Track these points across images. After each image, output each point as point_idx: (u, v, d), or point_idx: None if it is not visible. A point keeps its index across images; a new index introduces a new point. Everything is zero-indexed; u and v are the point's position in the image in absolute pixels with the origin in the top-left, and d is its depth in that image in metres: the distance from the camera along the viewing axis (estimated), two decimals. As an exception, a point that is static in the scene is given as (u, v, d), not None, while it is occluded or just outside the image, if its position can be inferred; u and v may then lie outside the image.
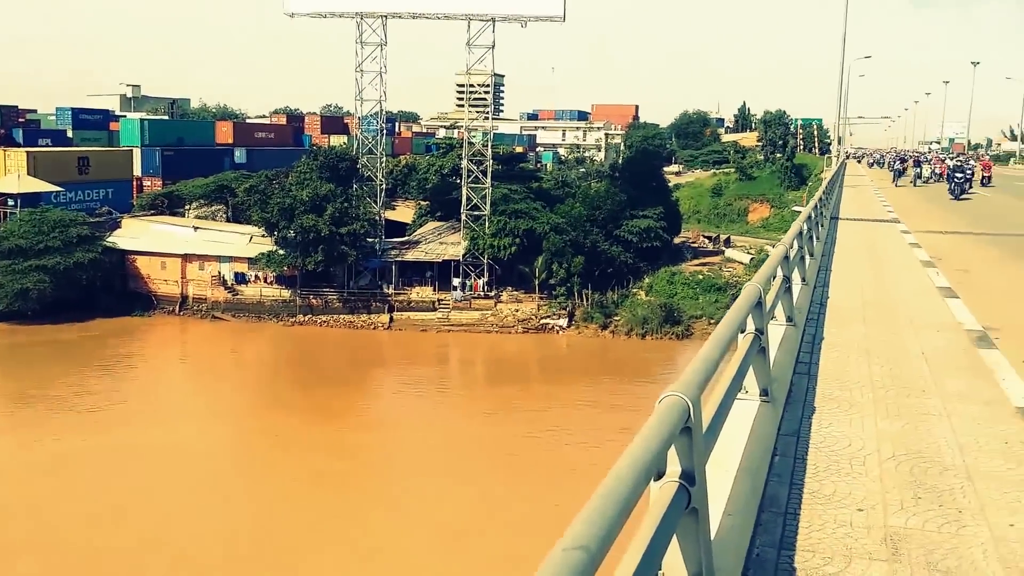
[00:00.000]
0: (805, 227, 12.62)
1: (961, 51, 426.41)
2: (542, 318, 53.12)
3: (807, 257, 11.73)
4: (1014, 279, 14.55)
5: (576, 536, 2.01)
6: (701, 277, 57.23)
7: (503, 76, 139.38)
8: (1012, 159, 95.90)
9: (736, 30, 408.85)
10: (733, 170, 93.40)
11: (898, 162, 52.14)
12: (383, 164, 56.63)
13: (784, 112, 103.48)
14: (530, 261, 53.95)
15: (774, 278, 7.56)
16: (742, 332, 5.32)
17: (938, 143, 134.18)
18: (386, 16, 53.33)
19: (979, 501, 4.64)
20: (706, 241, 70.87)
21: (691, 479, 3.00)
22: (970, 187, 35.64)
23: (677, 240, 65.06)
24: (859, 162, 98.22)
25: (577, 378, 44.00)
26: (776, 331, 7.39)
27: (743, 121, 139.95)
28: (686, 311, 52.09)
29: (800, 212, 14.95)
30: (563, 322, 52.79)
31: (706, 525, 3.10)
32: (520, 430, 35.46)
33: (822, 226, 17.18)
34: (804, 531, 4.27)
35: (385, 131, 58.61)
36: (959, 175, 33.97)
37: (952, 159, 62.87)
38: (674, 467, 3.02)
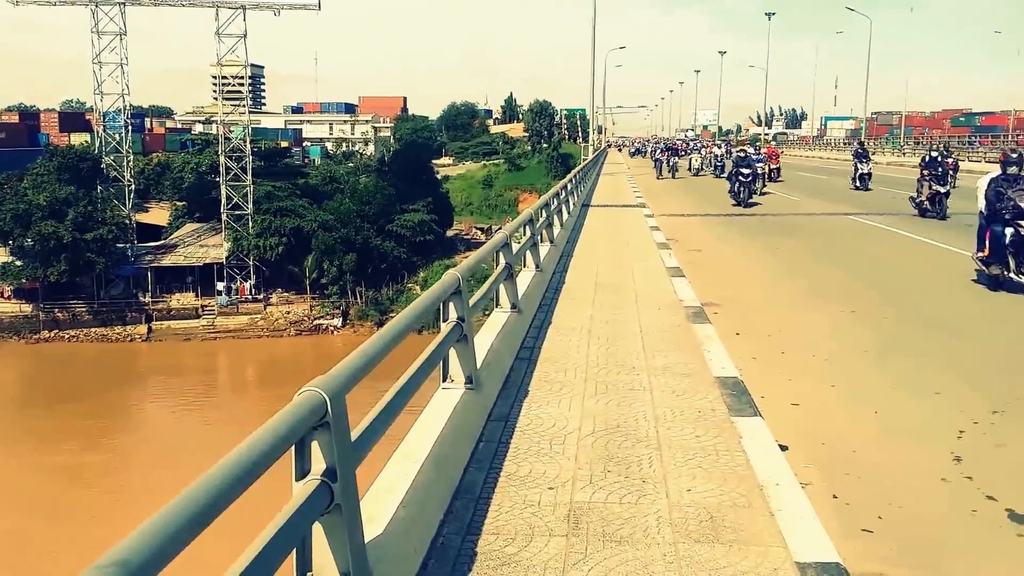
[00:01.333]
0: (544, 213, 13.00)
1: (711, 41, 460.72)
2: (316, 319, 51.97)
3: (542, 244, 12.05)
4: (743, 257, 15.74)
5: (117, 551, 1.77)
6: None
7: (262, 67, 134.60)
8: (756, 142, 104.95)
9: (501, 21, 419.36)
10: (502, 161, 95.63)
11: (659, 152, 46.72)
12: (131, 163, 52.96)
13: (549, 103, 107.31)
14: (299, 261, 52.56)
15: (494, 264, 7.65)
16: (445, 321, 5.30)
17: (692, 130, 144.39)
18: (123, 3, 49.80)
19: (663, 470, 4.87)
20: (479, 233, 72.04)
21: (333, 475, 2.85)
22: (760, 186, 28.51)
23: (450, 233, 65.67)
24: (620, 151, 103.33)
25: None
26: (499, 318, 7.47)
27: (510, 112, 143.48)
28: (462, 303, 52.60)
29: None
30: (337, 322, 51.90)
31: (355, 522, 2.97)
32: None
33: (568, 213, 17.81)
34: (493, 514, 4.28)
35: (132, 127, 54.84)
36: (744, 171, 24.81)
37: (732, 147, 56.48)
38: (319, 464, 2.87)
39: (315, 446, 2.88)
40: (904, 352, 8.34)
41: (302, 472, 2.86)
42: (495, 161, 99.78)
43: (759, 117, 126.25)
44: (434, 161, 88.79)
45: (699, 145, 61.60)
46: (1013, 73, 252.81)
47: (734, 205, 24.52)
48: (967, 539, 4.49)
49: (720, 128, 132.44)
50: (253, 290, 51.94)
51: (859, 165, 30.46)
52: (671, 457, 5.06)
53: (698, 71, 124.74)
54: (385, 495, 3.77)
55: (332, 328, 51.52)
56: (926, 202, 20.41)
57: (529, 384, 6.52)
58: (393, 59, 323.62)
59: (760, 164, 29.12)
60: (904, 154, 64.29)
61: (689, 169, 45.13)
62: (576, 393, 6.33)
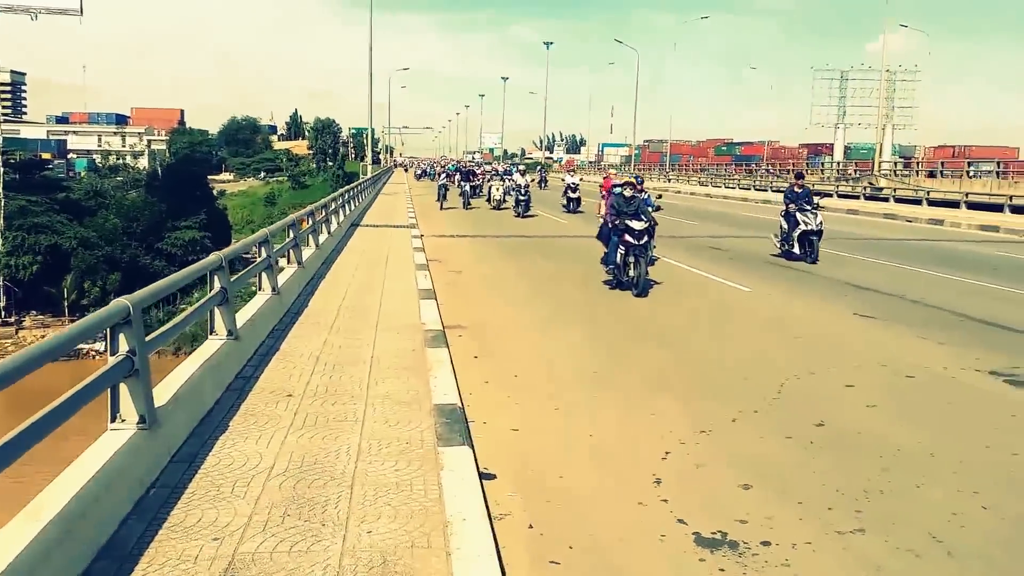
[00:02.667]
0: (291, 233, 12.44)
1: (494, 67, 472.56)
2: (73, 343, 47.82)
3: (288, 265, 11.51)
4: (502, 278, 15.83)
5: None
6: (254, 289, 55.84)
7: (23, 74, 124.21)
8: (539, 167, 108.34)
9: (287, 38, 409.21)
10: (286, 178, 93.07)
11: (444, 176, 37.95)
12: None
13: (333, 120, 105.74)
14: (58, 281, 48.23)
15: (208, 287, 7.10)
16: (114, 354, 4.75)
17: (479, 152, 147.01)
18: None
19: (348, 510, 4.55)
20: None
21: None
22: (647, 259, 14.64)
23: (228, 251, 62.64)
24: (406, 171, 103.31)
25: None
26: (211, 347, 6.91)
27: (296, 129, 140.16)
28: (236, 324, 50.36)
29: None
30: (100, 346, 47.92)
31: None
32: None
33: (329, 233, 17.28)
34: (138, 574, 3.79)
35: None
36: (634, 227, 13.15)
37: (544, 172, 59.00)
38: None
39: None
40: (632, 373, 8.53)
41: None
42: (279, 178, 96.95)
43: (541, 142, 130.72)
44: (213, 177, 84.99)
45: (504, 170, 47.88)
46: (767, 107, 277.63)
47: (613, 288, 13.59)
48: (650, 566, 4.49)
49: (505, 151, 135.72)
50: (3, 313, 47.05)
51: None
52: (362, 495, 4.76)
53: (483, 95, 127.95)
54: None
55: (94, 353, 47.54)
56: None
57: (232, 419, 6.02)
58: (170, 71, 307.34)
59: (652, 210, 14.81)
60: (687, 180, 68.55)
61: (488, 200, 35.36)
62: (281, 427, 5.90)
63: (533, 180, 34.74)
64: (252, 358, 7.80)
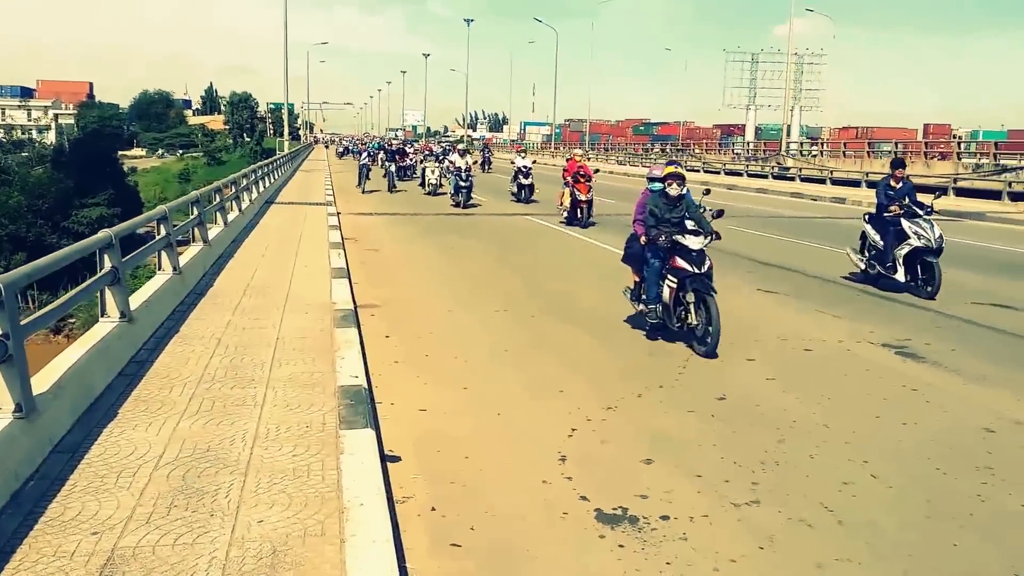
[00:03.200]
0: (195, 210, 12.08)
1: (416, 43, 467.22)
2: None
3: (193, 243, 11.16)
4: (420, 256, 15.67)
5: None
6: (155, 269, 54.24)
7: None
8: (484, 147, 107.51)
9: (204, 11, 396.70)
10: (201, 154, 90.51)
11: (366, 156, 35.07)
12: None
13: (250, 95, 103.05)
14: (-45, 262, 46.09)
15: (101, 269, 6.80)
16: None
17: (401, 130, 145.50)
18: None
19: (240, 499, 4.41)
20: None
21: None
22: None
23: (142, 231, 60.67)
24: (327, 147, 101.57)
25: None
26: (101, 329, 6.63)
27: (211, 104, 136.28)
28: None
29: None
30: (2, 329, 46.11)
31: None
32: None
33: (239, 211, 16.84)
34: (9, 572, 3.60)
35: None
36: (691, 249, 8.36)
37: (489, 151, 50.61)
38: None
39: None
40: (543, 350, 8.53)
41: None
42: (193, 154, 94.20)
43: (464, 119, 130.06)
44: (124, 152, 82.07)
45: (441, 150, 43.28)
46: (683, 88, 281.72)
47: (654, 338, 9.05)
48: (551, 545, 4.47)
49: (428, 129, 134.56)
50: None
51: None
52: (256, 483, 4.62)
53: (404, 72, 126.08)
54: None
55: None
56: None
57: (121, 406, 5.78)
58: (79, 43, 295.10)
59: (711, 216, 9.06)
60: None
61: (423, 185, 31.96)
62: (175, 413, 5.69)
63: (475, 162, 30.58)
64: (148, 341, 7.51)
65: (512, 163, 30.37)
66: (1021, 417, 6.50)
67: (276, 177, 30.48)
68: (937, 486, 5.21)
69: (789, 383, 7.43)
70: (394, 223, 21.16)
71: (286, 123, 64.30)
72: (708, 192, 9.68)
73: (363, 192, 31.04)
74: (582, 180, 19.94)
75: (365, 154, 36.11)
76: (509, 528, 4.67)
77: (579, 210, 19.81)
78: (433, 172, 30.95)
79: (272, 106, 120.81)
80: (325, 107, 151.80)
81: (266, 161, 29.36)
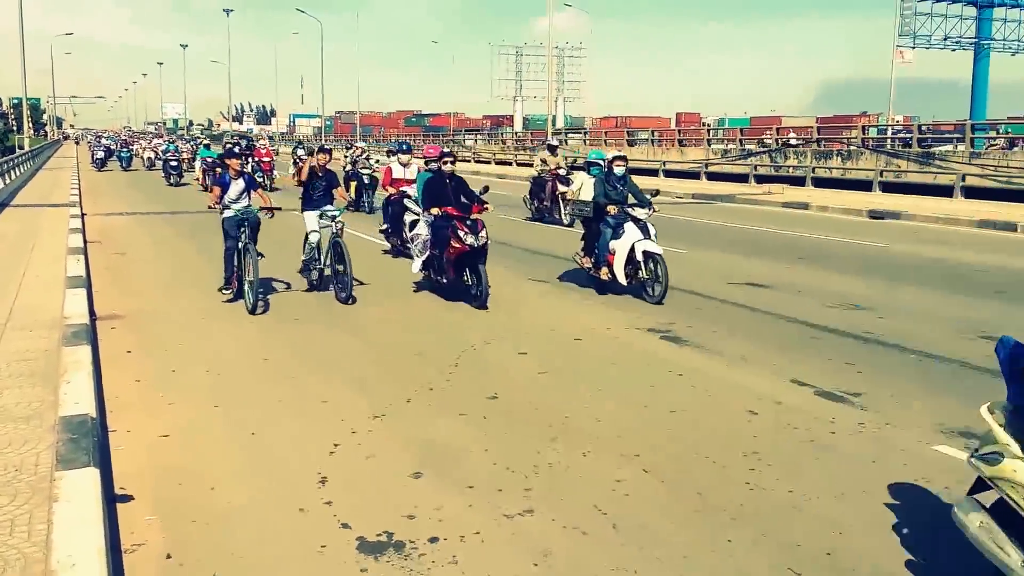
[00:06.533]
0: None
1: (174, 35, 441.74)
2: None
3: None
4: (174, 260, 14.45)
5: None
6: None
7: None
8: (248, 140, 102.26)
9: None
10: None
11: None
12: None
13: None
14: None
15: None
16: None
17: (163, 124, 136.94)
18: None
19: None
20: None
21: None
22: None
23: None
24: (77, 144, 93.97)
25: None
26: None
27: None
28: None
29: None
30: None
31: None
32: None
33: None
34: None
35: None
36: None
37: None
38: None
39: None
40: (306, 358, 7.95)
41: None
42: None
43: (230, 112, 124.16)
44: None
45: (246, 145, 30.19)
46: (452, 80, 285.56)
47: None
48: (308, 584, 3.99)
49: (191, 122, 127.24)
50: None
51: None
52: (-63, 550, 3.79)
53: (161, 63, 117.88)
54: None
55: None
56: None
57: None
58: None
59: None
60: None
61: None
62: None
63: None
64: None
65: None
66: (781, 397, 6.70)
67: (14, 177, 28.24)
68: (707, 476, 5.17)
69: (560, 376, 7.32)
70: (146, 223, 19.59)
71: (27, 119, 58.39)
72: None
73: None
74: None
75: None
76: (257, 571, 4.13)
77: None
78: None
79: (15, 101, 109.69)
80: (75, 101, 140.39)
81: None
